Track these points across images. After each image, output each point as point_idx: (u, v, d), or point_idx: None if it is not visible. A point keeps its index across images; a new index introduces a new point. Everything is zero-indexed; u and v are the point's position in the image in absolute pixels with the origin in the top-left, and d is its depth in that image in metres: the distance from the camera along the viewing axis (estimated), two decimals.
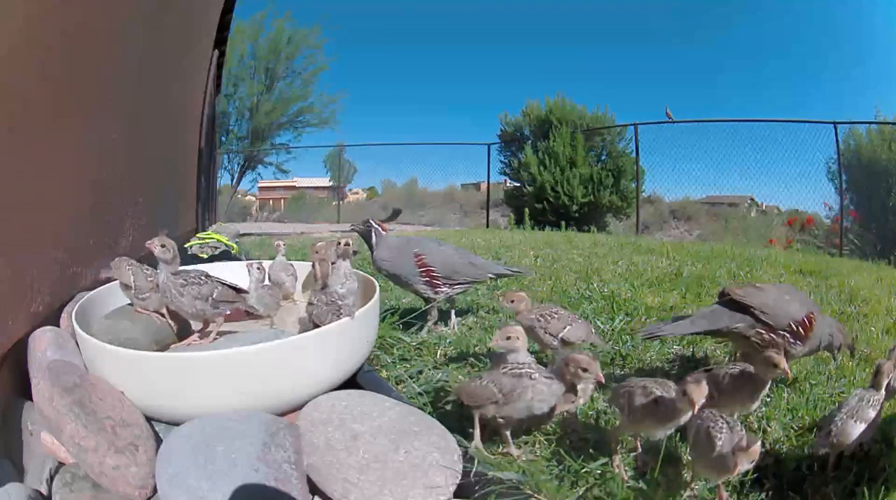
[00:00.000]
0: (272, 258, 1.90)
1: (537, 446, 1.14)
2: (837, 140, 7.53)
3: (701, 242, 6.73)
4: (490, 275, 1.90)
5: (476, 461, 0.94)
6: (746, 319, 1.32)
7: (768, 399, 1.31)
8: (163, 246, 1.27)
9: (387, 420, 0.99)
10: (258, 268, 1.59)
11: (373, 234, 1.82)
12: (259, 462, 0.84)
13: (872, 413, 1.01)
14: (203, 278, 1.32)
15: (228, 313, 1.37)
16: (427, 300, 1.82)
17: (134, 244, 1.94)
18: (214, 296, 1.30)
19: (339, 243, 1.49)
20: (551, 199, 9.29)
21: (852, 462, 1.05)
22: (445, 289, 1.79)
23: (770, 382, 1.08)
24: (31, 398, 1.00)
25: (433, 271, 1.75)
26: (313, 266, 1.45)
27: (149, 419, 1.01)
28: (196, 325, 1.43)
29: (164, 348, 1.31)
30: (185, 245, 3.01)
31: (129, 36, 1.86)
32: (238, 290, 1.38)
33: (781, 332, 1.30)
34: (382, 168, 16.64)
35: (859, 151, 7.58)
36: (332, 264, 1.47)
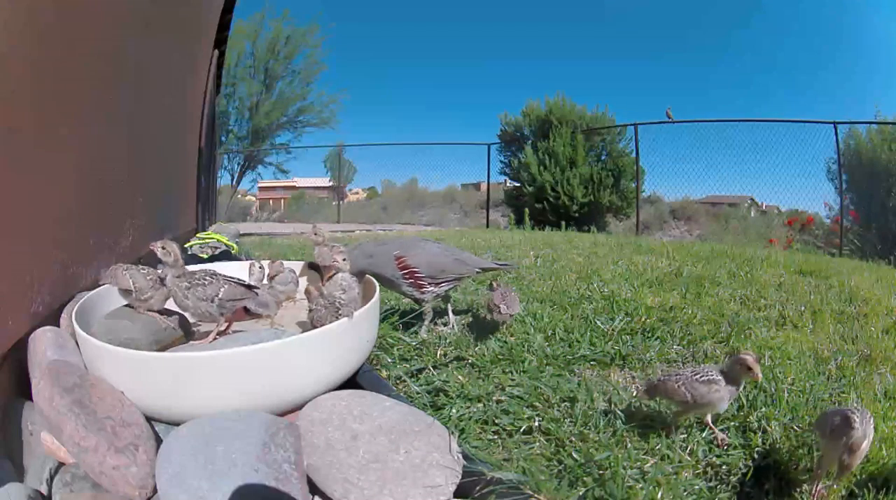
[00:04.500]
0: (272, 258, 1.90)
1: (537, 445, 1.14)
2: (837, 140, 7.55)
3: (701, 242, 6.73)
4: (477, 270, 1.87)
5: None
6: None
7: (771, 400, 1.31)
8: (164, 249, 1.27)
9: (387, 420, 0.99)
10: (259, 267, 1.59)
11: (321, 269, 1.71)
12: (259, 462, 0.84)
13: None
14: (208, 278, 1.30)
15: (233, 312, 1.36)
16: (417, 301, 1.79)
17: (134, 244, 1.94)
18: (221, 295, 1.29)
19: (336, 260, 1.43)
20: (551, 199, 9.30)
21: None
22: (432, 288, 1.74)
23: None
24: (31, 398, 0.99)
25: (416, 272, 1.70)
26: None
27: (149, 419, 1.01)
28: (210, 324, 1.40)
29: (164, 348, 1.31)
30: (185, 245, 3.01)
31: (130, 35, 1.86)
32: (248, 286, 1.35)
33: None
34: (382, 168, 16.63)
35: (859, 151, 7.58)
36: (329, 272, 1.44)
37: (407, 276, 1.70)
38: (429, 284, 1.73)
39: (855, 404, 1.01)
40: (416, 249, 1.76)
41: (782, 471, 1.07)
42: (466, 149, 11.92)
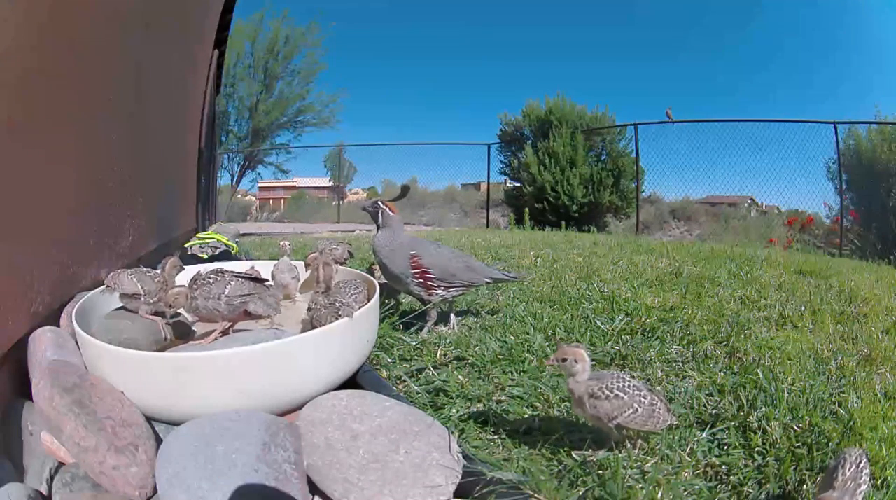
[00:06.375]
0: (273, 259, 1.91)
1: (538, 444, 1.14)
2: (837, 140, 7.56)
3: (701, 242, 6.73)
4: (486, 280, 1.88)
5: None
6: None
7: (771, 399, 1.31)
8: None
9: (387, 420, 0.99)
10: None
11: (380, 215, 1.78)
12: (259, 462, 0.84)
13: None
14: (213, 276, 1.29)
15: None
16: (423, 301, 1.81)
17: (134, 244, 1.94)
18: (227, 293, 1.28)
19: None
20: (551, 199, 9.30)
21: None
22: (440, 291, 1.76)
23: None
24: (31, 398, 0.99)
25: (428, 273, 1.72)
26: (315, 270, 1.42)
27: (149, 419, 1.01)
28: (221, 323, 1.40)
29: (164, 348, 1.31)
30: (185, 245, 3.02)
31: (130, 36, 1.86)
32: (258, 280, 1.35)
33: None
34: (382, 168, 16.66)
35: (859, 151, 7.58)
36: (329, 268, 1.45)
37: (418, 276, 1.73)
38: (438, 286, 1.75)
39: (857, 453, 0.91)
40: (430, 250, 1.78)
41: (783, 472, 1.06)
42: (466, 149, 11.97)
